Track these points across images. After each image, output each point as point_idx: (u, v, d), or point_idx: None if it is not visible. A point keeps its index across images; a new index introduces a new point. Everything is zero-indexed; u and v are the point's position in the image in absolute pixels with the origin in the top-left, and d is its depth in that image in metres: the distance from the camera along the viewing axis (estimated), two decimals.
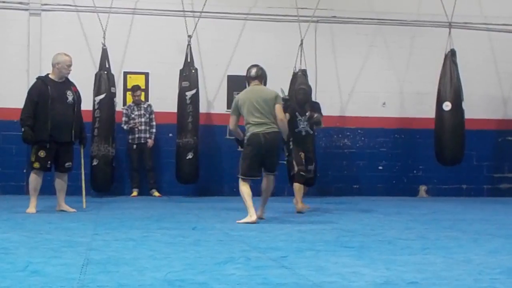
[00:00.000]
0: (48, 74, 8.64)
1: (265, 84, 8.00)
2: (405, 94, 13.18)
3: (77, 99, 8.58)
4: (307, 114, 9.26)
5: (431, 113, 12.33)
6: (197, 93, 11.75)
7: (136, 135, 12.01)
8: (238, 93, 12.78)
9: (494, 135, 13.44)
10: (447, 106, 11.94)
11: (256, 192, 7.89)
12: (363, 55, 13.06)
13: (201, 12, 12.09)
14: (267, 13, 12.73)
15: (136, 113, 11.99)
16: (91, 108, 11.22)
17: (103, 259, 4.73)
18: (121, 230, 6.68)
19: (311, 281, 4.03)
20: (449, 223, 7.98)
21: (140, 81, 12.32)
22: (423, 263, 4.73)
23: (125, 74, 12.32)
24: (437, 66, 12.18)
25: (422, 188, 13.23)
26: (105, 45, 11.61)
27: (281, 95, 8.43)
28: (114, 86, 11.62)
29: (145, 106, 12.08)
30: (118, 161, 11.96)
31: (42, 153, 8.38)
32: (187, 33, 11.88)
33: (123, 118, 11.95)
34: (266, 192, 7.90)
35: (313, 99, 10.47)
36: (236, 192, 12.23)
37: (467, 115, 12.12)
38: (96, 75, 11.54)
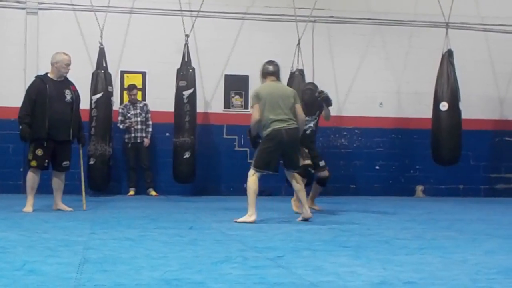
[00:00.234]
0: (47, 73, 8.63)
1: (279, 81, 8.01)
2: (402, 94, 13.19)
3: (76, 98, 8.58)
4: (316, 94, 8.97)
5: (428, 113, 12.33)
6: (194, 93, 11.74)
7: (132, 135, 12.01)
8: (236, 93, 12.83)
9: (491, 136, 13.46)
10: (444, 106, 11.94)
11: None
12: (361, 55, 13.07)
13: (198, 11, 12.09)
14: (264, 12, 12.74)
15: (132, 112, 11.99)
16: (88, 107, 11.22)
17: (100, 258, 4.72)
18: (118, 229, 6.67)
19: (308, 280, 4.02)
20: (446, 223, 7.98)
21: (137, 80, 12.30)
22: (420, 263, 4.72)
23: (122, 73, 12.32)
24: (434, 66, 12.18)
25: (419, 188, 13.24)
26: (102, 44, 11.60)
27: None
28: (111, 85, 11.61)
29: (141, 105, 12.07)
30: (115, 160, 11.94)
31: (39, 151, 8.37)
32: (185, 32, 11.87)
33: (119, 118, 11.95)
34: (301, 192, 7.78)
35: None
36: (233, 192, 12.36)
37: (464, 115, 12.12)
38: (93, 74, 11.52)
